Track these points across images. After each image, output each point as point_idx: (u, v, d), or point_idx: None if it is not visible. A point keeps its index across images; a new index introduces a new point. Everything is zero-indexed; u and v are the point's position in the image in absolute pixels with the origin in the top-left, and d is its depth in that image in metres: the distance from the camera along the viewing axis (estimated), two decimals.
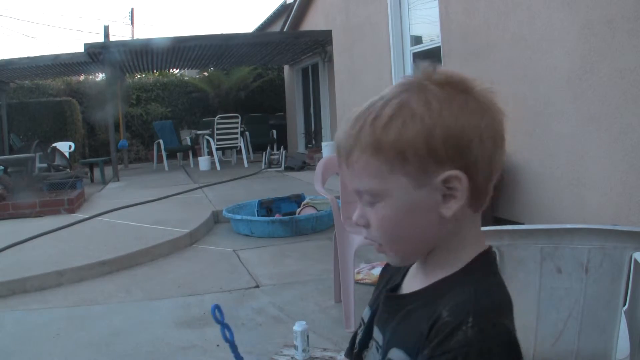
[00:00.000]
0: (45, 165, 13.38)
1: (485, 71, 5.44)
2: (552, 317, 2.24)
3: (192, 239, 7.34)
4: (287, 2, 17.74)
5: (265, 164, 14.69)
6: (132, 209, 9.42)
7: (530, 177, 4.96)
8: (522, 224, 4.85)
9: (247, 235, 7.59)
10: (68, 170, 12.93)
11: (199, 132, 16.87)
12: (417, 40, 7.19)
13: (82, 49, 13.83)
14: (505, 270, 2.24)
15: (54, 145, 14.64)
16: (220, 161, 15.57)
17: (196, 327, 4.53)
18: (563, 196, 4.60)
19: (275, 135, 17.67)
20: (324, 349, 3.50)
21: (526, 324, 2.27)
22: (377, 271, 5.51)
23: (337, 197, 4.64)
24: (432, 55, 6.56)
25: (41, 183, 11.16)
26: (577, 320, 2.21)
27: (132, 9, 53.31)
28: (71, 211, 9.45)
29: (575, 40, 4.36)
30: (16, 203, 9.52)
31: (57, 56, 14.49)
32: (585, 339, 2.23)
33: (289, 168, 14.04)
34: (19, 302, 5.51)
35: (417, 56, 7.10)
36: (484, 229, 2.25)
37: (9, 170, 10.43)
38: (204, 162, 15.35)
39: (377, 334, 1.31)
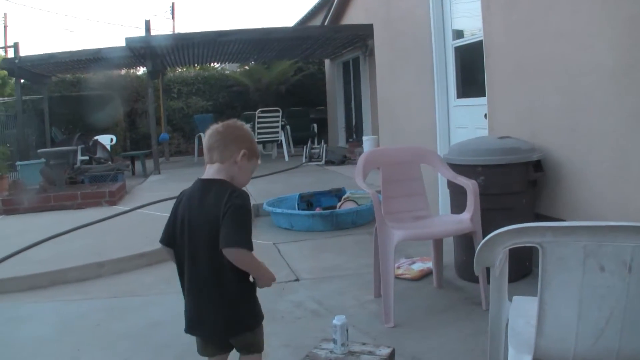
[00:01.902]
0: (86, 158, 13.51)
1: (527, 65, 5.33)
2: (593, 315, 2.17)
3: None
4: None
5: (305, 157, 14.67)
6: (172, 202, 9.39)
7: (572, 173, 4.85)
8: (564, 221, 4.75)
9: (287, 228, 7.57)
10: (109, 162, 13.04)
11: None
12: (458, 34, 7.10)
13: (123, 43, 13.91)
14: (547, 268, 2.18)
15: (95, 138, 14.77)
16: (260, 155, 15.52)
17: None
18: (606, 193, 4.49)
19: (315, 129, 17.63)
20: (363, 344, 3.45)
21: (567, 323, 2.21)
22: (417, 266, 5.45)
23: (378, 192, 4.58)
24: (474, 49, 6.47)
25: (82, 175, 11.26)
26: (619, 319, 2.15)
27: (173, 3, 53.74)
28: (112, 203, 9.52)
29: (618, 34, 4.25)
30: (58, 195, 9.62)
31: (98, 50, 14.60)
32: (627, 338, 2.17)
33: (329, 162, 14.00)
34: (59, 292, 5.55)
35: (459, 50, 7.01)
36: (527, 225, 2.20)
37: (50, 162, 10.52)
38: None
39: None
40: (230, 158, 2.82)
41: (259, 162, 3.01)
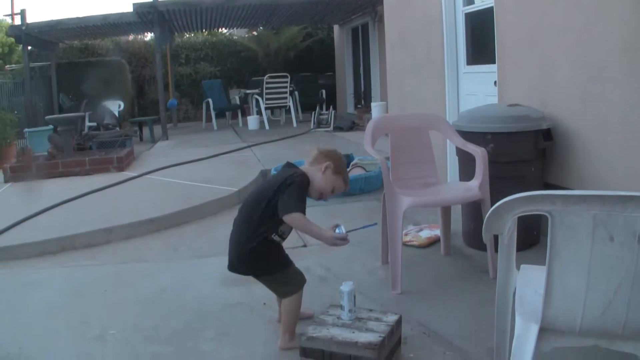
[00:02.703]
0: (94, 124, 13.52)
1: (539, 34, 5.28)
2: (601, 286, 2.16)
3: (241, 197, 7.33)
4: None
5: (314, 123, 14.62)
6: (180, 167, 9.46)
7: (581, 143, 4.82)
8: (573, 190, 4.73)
9: None
10: (117, 129, 13.03)
11: (248, 91, 16.83)
12: (469, 0, 7.03)
13: (130, 9, 13.85)
14: (557, 237, 2.16)
15: (103, 104, 14.75)
16: (269, 120, 15.54)
17: (243, 285, 4.51)
18: (616, 164, 4.46)
19: (324, 95, 17.50)
20: (370, 310, 3.46)
21: (575, 293, 2.20)
22: (425, 234, 5.45)
23: (387, 158, 4.57)
24: (485, 16, 6.41)
25: (90, 142, 11.26)
26: (627, 290, 2.14)
27: None
28: (120, 169, 9.54)
29: (632, 6, 4.20)
30: (66, 162, 9.63)
31: (105, 16, 14.55)
32: (635, 310, 2.16)
33: (337, 128, 13.95)
34: (68, 258, 5.58)
35: (469, 17, 6.94)
36: (537, 193, 2.19)
37: (58, 129, 10.53)
38: (252, 121, 15.34)
39: None
40: (317, 165, 3.56)
41: (345, 188, 3.66)
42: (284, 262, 3.56)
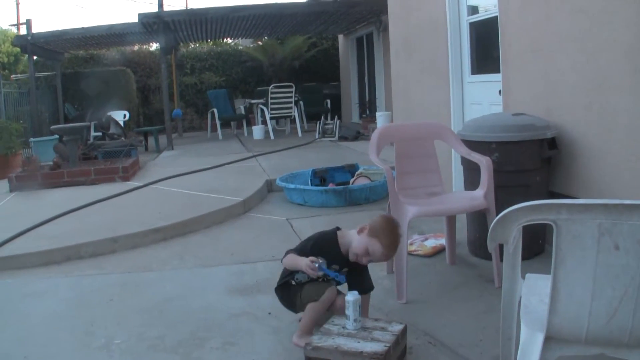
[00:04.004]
0: (100, 134, 13.55)
1: (543, 42, 5.28)
2: (607, 294, 2.16)
3: (246, 207, 7.36)
4: None
5: (319, 133, 14.64)
6: (186, 177, 9.47)
7: (587, 151, 4.81)
8: (578, 198, 4.73)
9: (300, 204, 7.58)
10: (123, 138, 13.06)
11: (253, 101, 16.89)
12: (473, 10, 7.03)
13: (135, 19, 13.90)
14: (562, 246, 2.16)
15: (108, 114, 14.80)
16: (274, 130, 15.56)
17: (248, 294, 4.52)
18: (622, 172, 4.45)
19: (329, 105, 17.51)
20: (376, 319, 3.46)
21: (581, 301, 2.20)
22: (430, 243, 5.44)
23: (392, 168, 4.57)
24: (489, 25, 6.42)
25: (96, 151, 11.28)
26: (633, 298, 2.14)
27: None
28: (126, 179, 9.54)
29: (636, 12, 4.20)
30: (71, 171, 9.63)
31: (111, 26, 14.61)
32: None
33: (342, 138, 13.96)
34: (73, 267, 5.58)
35: (473, 26, 6.95)
36: (542, 202, 2.19)
37: (64, 138, 10.55)
38: (257, 131, 15.35)
39: None
40: (359, 232, 3.58)
41: (386, 255, 3.57)
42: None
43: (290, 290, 3.75)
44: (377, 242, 3.47)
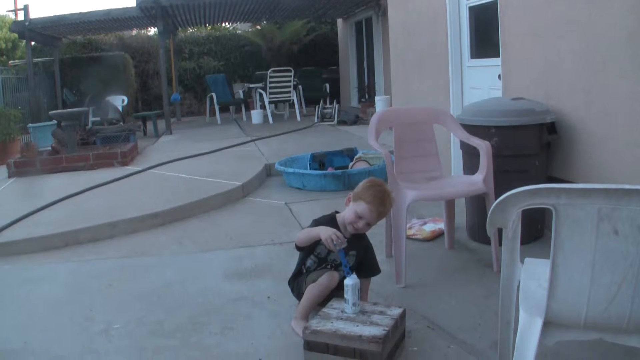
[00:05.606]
0: (98, 119, 13.53)
1: (542, 26, 5.26)
2: (606, 280, 2.16)
3: (245, 191, 7.35)
4: None
5: (317, 117, 14.62)
6: (184, 161, 9.46)
7: (586, 136, 4.80)
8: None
9: (299, 188, 7.58)
10: (121, 123, 13.03)
11: (251, 85, 16.84)
12: None
13: (134, 4, 13.84)
14: (561, 230, 2.15)
15: (107, 99, 14.76)
16: (272, 115, 15.53)
17: (247, 279, 4.52)
18: (621, 157, 4.44)
19: (328, 89, 17.47)
20: (374, 303, 3.46)
21: (579, 286, 2.20)
22: (429, 227, 5.44)
23: (391, 152, 4.57)
24: (489, 9, 6.39)
25: (94, 137, 11.26)
26: (632, 284, 2.14)
27: None
28: (124, 164, 9.54)
29: None
30: (70, 156, 9.63)
31: (108, 11, 14.57)
32: (639, 304, 2.16)
33: (341, 122, 13.95)
34: (72, 253, 5.58)
35: (473, 10, 6.92)
36: (541, 186, 2.18)
37: (62, 124, 10.53)
38: (256, 115, 15.33)
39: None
40: (347, 203, 3.67)
41: (374, 211, 3.51)
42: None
43: (299, 280, 3.78)
44: (361, 202, 3.52)
